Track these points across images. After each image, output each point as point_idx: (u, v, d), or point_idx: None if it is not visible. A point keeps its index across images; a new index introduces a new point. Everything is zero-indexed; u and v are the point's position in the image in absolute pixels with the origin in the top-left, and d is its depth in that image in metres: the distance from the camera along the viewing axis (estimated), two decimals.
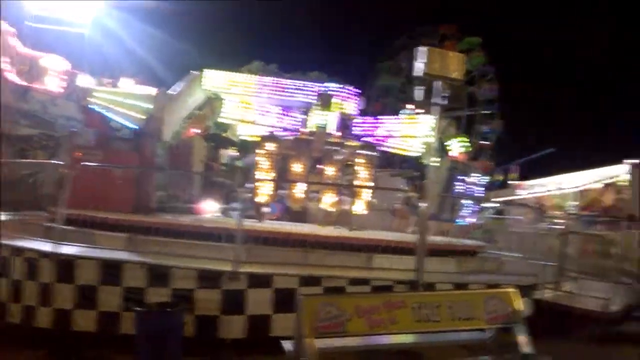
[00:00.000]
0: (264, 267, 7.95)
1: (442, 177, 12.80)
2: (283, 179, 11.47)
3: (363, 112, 14.89)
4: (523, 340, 5.49)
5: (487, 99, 47.15)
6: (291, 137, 12.34)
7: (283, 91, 14.14)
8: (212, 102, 13.38)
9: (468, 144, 14.47)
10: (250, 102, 13.78)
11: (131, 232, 8.98)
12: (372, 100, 40.24)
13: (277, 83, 14.13)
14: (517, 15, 63.61)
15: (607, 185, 29.17)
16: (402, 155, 15.61)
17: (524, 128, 50.88)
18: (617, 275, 11.31)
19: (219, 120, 13.67)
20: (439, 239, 11.07)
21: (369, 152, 11.52)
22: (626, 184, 27.10)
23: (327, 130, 12.37)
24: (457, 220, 13.43)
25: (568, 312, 8.70)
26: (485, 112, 47.58)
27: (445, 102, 7.82)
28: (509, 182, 41.96)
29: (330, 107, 12.51)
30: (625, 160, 28.03)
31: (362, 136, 14.04)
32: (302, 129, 12.64)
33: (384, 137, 13.74)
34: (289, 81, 14.13)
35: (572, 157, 36.35)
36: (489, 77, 47.24)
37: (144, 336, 6.61)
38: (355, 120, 13.88)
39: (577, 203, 30.83)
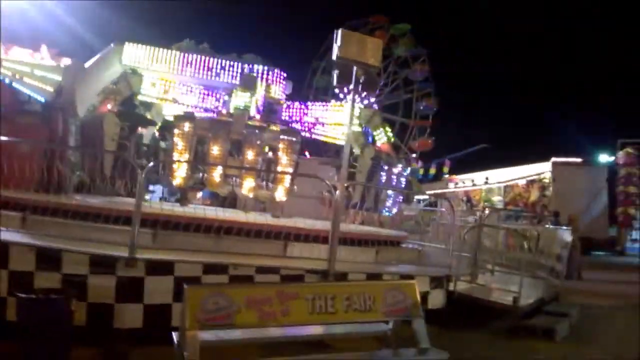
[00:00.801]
0: (167, 253, 7.44)
1: (366, 167, 12.63)
2: (200, 161, 10.90)
3: (290, 97, 14.54)
4: (421, 334, 5.27)
5: (422, 79, 47.79)
6: (208, 118, 11.75)
7: (208, 70, 13.55)
8: (129, 77, 12.59)
9: (391, 134, 14.38)
10: (171, 79, 13.10)
11: (26, 211, 8.24)
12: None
13: (201, 61, 13.52)
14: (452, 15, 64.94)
15: (530, 182, 30.28)
16: (335, 144, 15.41)
17: (459, 124, 52.11)
18: (534, 269, 11.55)
19: (138, 97, 12.88)
20: (360, 228, 10.84)
21: (291, 138, 11.12)
22: (547, 181, 28.23)
23: (249, 113, 11.86)
24: (382, 211, 13.30)
25: (480, 304, 8.69)
26: (421, 91, 48.41)
27: (359, 87, 7.49)
28: (443, 175, 42.97)
29: (254, 89, 11.98)
30: (553, 159, 29.19)
31: (289, 122, 13.67)
32: (222, 111, 12.08)
33: (312, 123, 13.43)
34: (214, 60, 13.54)
35: (505, 153, 37.56)
36: (422, 59, 47.99)
37: (28, 324, 6.00)
38: (282, 105, 13.49)
39: (501, 198, 31.92)
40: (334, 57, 7.49)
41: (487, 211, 14.29)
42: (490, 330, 8.47)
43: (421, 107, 47.66)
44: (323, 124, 13.60)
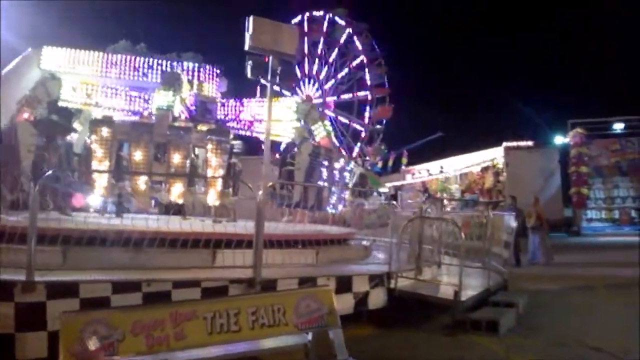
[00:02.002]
0: (76, 273, 6.75)
1: (304, 163, 12.11)
2: (121, 167, 10.16)
3: (225, 95, 13.91)
4: (339, 345, 4.79)
5: (377, 84, 48.17)
6: (128, 122, 11.02)
7: (134, 71, 12.79)
8: (46, 82, 11.73)
9: (330, 129, 13.92)
10: (94, 82, 12.29)
11: None
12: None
13: (126, 62, 12.75)
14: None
15: (485, 169, 30.40)
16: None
17: (415, 113, 52.23)
18: (484, 258, 11.26)
19: (58, 103, 12.03)
20: (297, 228, 10.32)
21: (220, 138, 10.51)
22: (501, 166, 28.37)
23: (173, 113, 11.18)
24: (325, 208, 12.82)
25: (422, 300, 8.30)
26: (378, 95, 48.79)
27: (275, 79, 6.97)
28: (401, 166, 42.91)
29: (178, 87, 11.29)
30: (504, 143, 29.34)
31: (225, 121, 13.05)
32: (144, 112, 11.37)
33: (249, 121, 12.83)
34: (140, 59, 12.79)
35: (460, 141, 37.72)
36: (377, 62, 48.27)
37: None
38: (216, 104, 12.84)
39: (458, 186, 31.97)
40: (246, 47, 6.94)
41: (424, 202, 13.85)
42: (432, 328, 8.09)
43: (373, 74, 47.99)
44: (260, 121, 13.02)
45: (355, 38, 48.64)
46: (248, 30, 6.95)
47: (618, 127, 28.36)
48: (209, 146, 10.52)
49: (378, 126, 49.93)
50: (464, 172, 31.22)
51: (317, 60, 52.01)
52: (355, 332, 8.10)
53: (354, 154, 48.98)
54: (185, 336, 4.17)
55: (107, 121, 10.52)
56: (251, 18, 6.98)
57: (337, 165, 13.20)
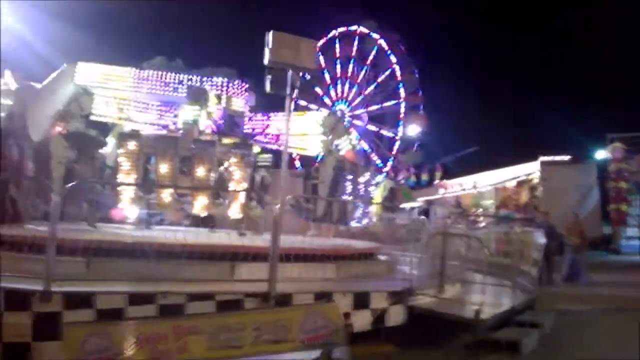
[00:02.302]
0: (94, 284, 6.88)
1: (328, 177, 12.08)
2: (148, 180, 10.35)
3: (254, 109, 14.04)
4: None
5: (410, 92, 48.08)
6: (154, 135, 11.22)
7: (164, 86, 13.07)
8: (79, 97, 12.09)
9: (356, 142, 13.84)
10: (125, 97, 12.61)
11: None
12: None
13: (157, 77, 13.04)
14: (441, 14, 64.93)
15: (520, 183, 29.68)
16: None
17: (450, 127, 51.66)
18: (513, 276, 10.96)
19: (91, 117, 12.38)
20: (318, 242, 10.27)
21: (243, 151, 10.60)
22: (537, 181, 27.64)
23: (198, 127, 11.34)
24: (348, 222, 12.75)
25: (442, 319, 8.12)
26: (411, 103, 48.82)
27: (294, 93, 6.99)
28: (436, 181, 42.41)
29: (204, 102, 11.46)
30: (541, 158, 28.60)
31: (253, 135, 13.18)
32: (171, 126, 11.58)
33: (275, 135, 12.92)
34: (171, 75, 13.06)
35: (495, 156, 37.02)
36: (410, 72, 48.26)
37: None
38: (244, 118, 12.97)
39: (492, 201, 31.27)
40: (265, 62, 7.00)
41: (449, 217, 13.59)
42: (452, 347, 7.90)
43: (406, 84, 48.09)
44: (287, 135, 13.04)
45: (387, 50, 48.85)
46: (268, 45, 7.02)
47: None
48: (233, 159, 10.63)
49: (412, 135, 49.75)
50: (498, 187, 30.51)
51: (349, 73, 52.34)
52: (373, 349, 8.00)
53: (388, 166, 48.93)
54: (188, 349, 4.18)
55: (134, 134, 10.77)
56: (271, 33, 7.05)
57: (362, 179, 13.14)
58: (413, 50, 50.38)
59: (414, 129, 49.09)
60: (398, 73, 48.65)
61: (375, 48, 50.11)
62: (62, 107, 12.10)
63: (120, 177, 10.30)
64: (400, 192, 43.76)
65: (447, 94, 50.75)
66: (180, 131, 11.50)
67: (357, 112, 51.86)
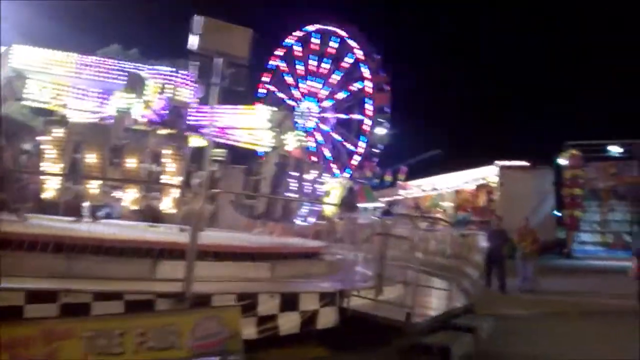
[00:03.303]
0: None
1: (270, 173, 11.70)
2: (76, 170, 9.78)
3: (203, 101, 13.54)
4: None
5: (379, 108, 48.63)
6: (84, 122, 10.64)
7: (107, 73, 12.47)
8: (13, 81, 11.40)
9: (304, 138, 13.46)
10: (64, 83, 11.96)
11: None
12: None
13: (99, 64, 12.44)
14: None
15: (479, 187, 29.89)
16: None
17: (415, 130, 51.91)
18: (457, 279, 10.79)
19: (24, 103, 11.70)
20: (252, 240, 9.84)
21: (178, 143, 10.12)
22: (495, 185, 27.86)
23: (131, 116, 10.80)
24: (292, 220, 12.38)
25: (375, 322, 7.83)
26: (379, 119, 49.42)
27: (225, 83, 6.58)
28: (398, 182, 42.49)
29: (142, 90, 10.91)
30: (496, 162, 28.81)
31: (198, 127, 12.70)
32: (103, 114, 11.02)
33: (221, 128, 12.46)
34: (113, 62, 12.47)
35: (458, 159, 37.19)
36: (380, 87, 48.87)
37: None
38: (188, 109, 12.48)
39: (450, 204, 31.42)
40: (190, 47, 6.56)
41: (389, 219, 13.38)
42: (384, 351, 7.61)
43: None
44: (231, 128, 12.64)
45: (348, 38, 49.14)
46: (194, 31, 6.58)
47: (616, 150, 27.74)
48: (166, 151, 10.15)
49: (381, 120, 49.95)
50: (457, 189, 30.68)
51: (314, 69, 52.42)
52: (303, 352, 7.69)
53: (349, 169, 49.09)
54: (58, 357, 3.74)
55: (61, 121, 10.18)
56: (200, 18, 6.61)
57: (308, 176, 12.78)
58: (375, 41, 50.81)
59: (378, 139, 49.54)
60: (361, 57, 48.99)
61: (352, 55, 50.33)
62: None
63: (46, 166, 9.70)
64: (362, 192, 43.86)
65: (412, 97, 51.09)
66: (112, 120, 10.94)
67: (325, 115, 51.89)
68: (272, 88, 53.58)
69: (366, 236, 9.32)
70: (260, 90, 52.69)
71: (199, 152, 15.24)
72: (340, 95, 50.83)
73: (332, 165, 49.50)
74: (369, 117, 48.89)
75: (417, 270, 10.72)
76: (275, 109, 12.90)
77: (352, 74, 50.67)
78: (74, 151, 10.11)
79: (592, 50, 47.41)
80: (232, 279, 8.07)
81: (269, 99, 50.72)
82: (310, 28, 52.44)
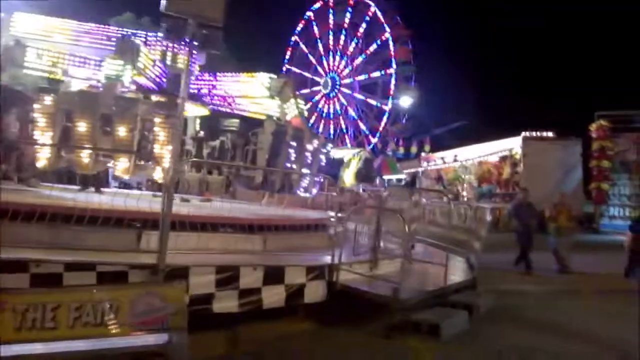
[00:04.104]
0: None
1: (267, 143, 11.36)
2: (66, 139, 9.64)
3: (205, 68, 13.24)
4: (181, 353, 4.09)
5: (403, 61, 47.39)
6: (73, 90, 10.44)
7: (107, 40, 12.25)
8: (12, 49, 11.27)
9: (303, 107, 13.01)
10: (62, 50, 11.78)
11: None
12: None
13: (99, 31, 12.21)
14: None
15: (503, 158, 29.03)
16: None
17: (441, 100, 50.66)
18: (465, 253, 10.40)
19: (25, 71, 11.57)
20: (246, 210, 9.57)
21: (169, 111, 9.82)
22: (519, 157, 27.00)
23: (122, 84, 10.55)
24: (295, 192, 12.07)
25: (362, 297, 7.56)
26: (404, 71, 48.34)
27: (199, 45, 6.23)
28: (422, 153, 41.78)
29: (132, 57, 10.63)
30: (523, 133, 27.88)
31: (199, 95, 12.43)
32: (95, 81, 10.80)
33: (222, 97, 12.16)
34: (113, 29, 12.22)
35: (485, 129, 36.18)
36: (403, 40, 47.54)
37: None
38: (191, 77, 12.18)
39: (472, 176, 30.69)
40: (161, 9, 6.21)
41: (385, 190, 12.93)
42: (373, 328, 7.33)
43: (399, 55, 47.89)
44: (233, 97, 12.31)
45: (381, 17, 48.01)
46: None
47: None
48: (157, 119, 9.92)
49: (404, 105, 49.01)
50: (480, 161, 29.88)
51: (341, 45, 51.63)
52: (288, 328, 7.48)
53: (375, 136, 48.39)
54: None
55: (50, 89, 10.01)
56: None
57: (309, 146, 12.40)
58: (408, 21, 49.42)
59: (405, 100, 48.44)
60: (391, 45, 47.89)
61: (367, 18, 49.28)
62: None
63: (36, 135, 9.61)
64: (386, 164, 43.31)
65: (439, 66, 49.71)
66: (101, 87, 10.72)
67: (347, 80, 51.13)
68: (293, 68, 52.94)
69: (354, 208, 8.90)
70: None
71: (206, 121, 15.10)
72: (361, 60, 49.78)
73: (360, 125, 48.87)
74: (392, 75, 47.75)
75: (409, 244, 10.50)
76: (274, 75, 12.44)
77: (373, 36, 49.65)
78: (65, 119, 9.98)
79: (626, 17, 44.94)
80: (221, 252, 7.85)
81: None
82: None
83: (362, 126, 49.52)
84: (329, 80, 51.53)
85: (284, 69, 52.92)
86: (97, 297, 3.90)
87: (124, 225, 7.62)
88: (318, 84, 51.72)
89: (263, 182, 11.22)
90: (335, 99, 51.21)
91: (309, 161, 12.40)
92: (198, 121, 14.82)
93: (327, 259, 7.89)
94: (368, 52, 49.08)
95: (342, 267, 7.87)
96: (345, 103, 50.61)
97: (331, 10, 51.45)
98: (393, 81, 47.08)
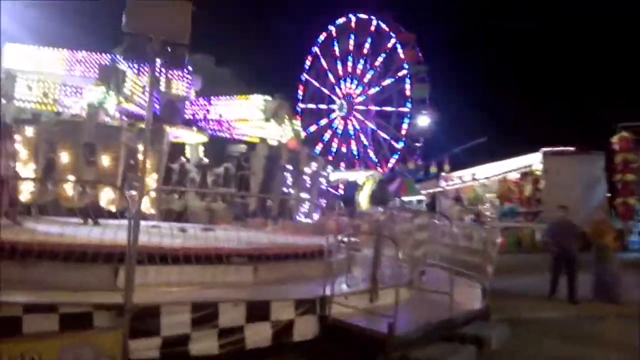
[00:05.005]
0: None
1: (259, 166, 10.83)
2: (50, 170, 9.26)
3: (201, 93, 12.87)
4: None
5: (420, 99, 47.26)
6: (54, 120, 10.11)
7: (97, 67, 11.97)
8: (2, 82, 11.07)
9: (299, 129, 12.45)
10: (54, 80, 11.53)
11: None
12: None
13: (91, 59, 11.95)
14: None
15: (524, 175, 28.05)
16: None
17: (459, 118, 49.89)
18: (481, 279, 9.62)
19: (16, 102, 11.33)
20: (251, 239, 8.93)
21: (153, 137, 9.41)
22: (539, 173, 26.05)
23: (105, 111, 10.17)
24: (295, 217, 11.48)
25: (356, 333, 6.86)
26: (416, 72, 48.07)
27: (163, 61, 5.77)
28: (442, 173, 40.90)
29: (117, 84, 10.27)
30: (542, 149, 26.93)
31: (195, 120, 12.04)
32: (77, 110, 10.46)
33: (216, 121, 11.74)
34: (106, 56, 11.95)
35: (504, 146, 35.21)
36: (421, 75, 47.45)
37: None
38: (185, 102, 11.82)
39: (493, 195, 29.68)
40: (122, 28, 5.78)
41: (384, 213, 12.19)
42: None
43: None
44: (228, 121, 11.89)
45: (384, 26, 47.99)
46: (126, 10, 5.79)
47: None
48: (141, 147, 9.48)
49: (418, 144, 48.72)
50: (500, 179, 28.92)
51: (356, 63, 51.60)
52: None
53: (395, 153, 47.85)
54: None
55: (31, 120, 9.70)
56: None
57: (307, 169, 11.82)
58: (423, 42, 49.20)
59: (422, 120, 48.06)
60: (399, 48, 47.72)
61: (389, 44, 49.18)
62: None
63: (17, 168, 9.24)
64: (404, 185, 42.51)
65: (455, 84, 49.12)
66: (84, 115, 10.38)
67: (360, 101, 50.91)
68: (310, 78, 53.06)
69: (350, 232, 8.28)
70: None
71: (214, 147, 14.71)
72: (371, 75, 49.53)
73: (371, 154, 48.56)
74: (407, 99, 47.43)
75: (419, 270, 9.77)
76: (269, 97, 11.97)
77: (380, 48, 49.51)
78: (49, 150, 9.63)
79: None
80: (202, 286, 7.26)
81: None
82: (340, 21, 51.74)
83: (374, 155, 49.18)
84: (344, 103, 51.35)
85: (299, 107, 53.10)
86: (19, 348, 3.35)
87: (100, 260, 7.11)
88: (333, 111, 51.66)
89: (258, 209, 10.67)
90: (351, 121, 51.05)
91: (307, 185, 11.83)
92: (202, 148, 14.46)
93: (320, 290, 7.23)
94: (377, 63, 48.83)
95: (335, 300, 7.21)
96: (358, 128, 50.37)
97: (335, 41, 51.92)
98: (408, 85, 46.73)
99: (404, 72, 47.05)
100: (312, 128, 50.80)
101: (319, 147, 46.79)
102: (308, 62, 53.28)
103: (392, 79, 47.84)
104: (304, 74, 52.89)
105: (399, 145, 47.69)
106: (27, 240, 7.00)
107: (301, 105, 52.25)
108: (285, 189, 11.12)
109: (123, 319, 5.67)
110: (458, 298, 8.67)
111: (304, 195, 11.68)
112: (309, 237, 10.98)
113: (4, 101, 11.12)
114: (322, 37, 51.90)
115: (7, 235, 7.27)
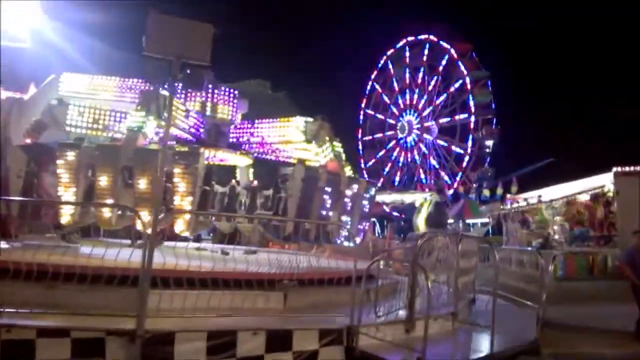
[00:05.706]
0: None
1: (296, 189, 10.59)
2: (91, 194, 9.45)
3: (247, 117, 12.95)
4: None
5: (482, 105, 45.95)
6: (95, 144, 10.35)
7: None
8: (54, 108, 11.58)
9: (340, 150, 12.13)
10: (104, 107, 11.94)
11: None
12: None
13: (141, 86, 12.32)
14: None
15: (595, 197, 26.29)
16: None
17: (526, 138, 48.03)
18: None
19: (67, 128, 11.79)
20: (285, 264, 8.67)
21: (188, 162, 9.44)
22: (611, 194, 24.29)
23: (145, 135, 10.32)
24: (335, 241, 11.15)
25: None
26: (484, 117, 46.96)
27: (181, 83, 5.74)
28: (508, 194, 39.34)
29: (157, 108, 10.40)
30: (614, 168, 25.19)
31: (239, 144, 12.09)
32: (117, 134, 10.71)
33: (259, 143, 11.73)
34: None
35: (573, 167, 33.44)
36: (482, 83, 46.18)
37: None
38: (230, 126, 11.92)
39: (563, 217, 27.96)
40: (144, 52, 5.79)
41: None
42: None
43: (482, 133, 46.79)
44: (270, 144, 11.85)
45: (458, 60, 46.99)
46: (146, 32, 5.81)
47: None
48: (176, 170, 9.53)
49: (487, 150, 47.40)
50: (567, 201, 27.22)
51: (418, 82, 51.15)
52: None
53: (456, 181, 46.58)
54: None
55: (73, 145, 9.99)
56: (151, 16, 5.83)
57: (348, 191, 11.49)
58: (485, 59, 48.02)
59: (486, 144, 46.75)
60: (468, 85, 46.73)
61: (446, 57, 48.56)
62: (35, 119, 11.65)
63: (60, 191, 9.54)
64: (468, 207, 41.07)
65: (521, 102, 47.43)
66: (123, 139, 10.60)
67: (427, 124, 50.15)
68: (369, 112, 53.17)
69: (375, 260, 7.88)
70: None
71: (264, 169, 14.75)
72: (443, 99, 48.79)
73: (441, 173, 47.68)
74: (473, 114, 46.30)
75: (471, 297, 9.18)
76: (310, 119, 11.85)
77: (457, 99, 48.75)
78: (89, 174, 9.87)
79: None
80: (222, 313, 7.01)
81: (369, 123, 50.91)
82: (400, 43, 51.63)
83: (442, 172, 48.13)
84: (406, 124, 50.70)
85: (361, 114, 53.16)
86: None
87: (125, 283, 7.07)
88: (394, 127, 51.13)
89: (294, 232, 10.45)
90: (411, 147, 50.35)
91: (348, 207, 11.51)
92: (252, 170, 14.53)
93: (345, 320, 6.86)
94: (450, 90, 48.03)
95: (365, 331, 6.80)
96: (423, 149, 49.60)
97: (407, 49, 51.53)
98: (472, 124, 45.55)
99: (465, 80, 46.09)
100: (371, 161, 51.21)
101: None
102: (365, 99, 53.74)
103: (454, 89, 46.98)
104: (363, 110, 53.31)
105: (466, 157, 46.39)
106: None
107: (365, 111, 52.45)
108: (324, 212, 10.87)
109: (134, 345, 5.58)
110: (509, 328, 8.08)
111: (345, 218, 11.37)
112: (346, 261, 10.62)
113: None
114: (374, 72, 52.19)
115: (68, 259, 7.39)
